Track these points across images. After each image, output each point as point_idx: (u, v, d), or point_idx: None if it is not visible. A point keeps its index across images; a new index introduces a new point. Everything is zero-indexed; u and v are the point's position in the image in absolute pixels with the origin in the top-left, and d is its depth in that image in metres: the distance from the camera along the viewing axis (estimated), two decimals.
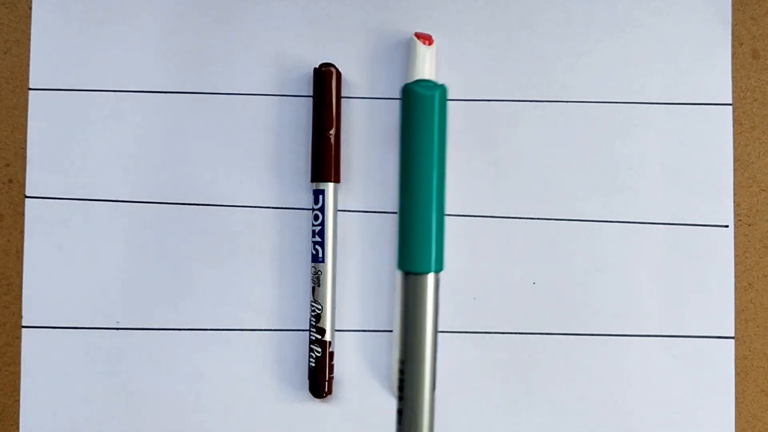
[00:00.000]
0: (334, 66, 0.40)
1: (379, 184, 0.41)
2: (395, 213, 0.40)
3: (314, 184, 0.40)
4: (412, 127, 0.26)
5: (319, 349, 0.39)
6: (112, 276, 0.40)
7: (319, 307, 0.39)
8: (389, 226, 0.40)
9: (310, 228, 0.40)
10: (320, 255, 0.39)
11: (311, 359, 0.39)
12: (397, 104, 0.41)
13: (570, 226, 0.40)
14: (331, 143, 0.39)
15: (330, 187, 0.40)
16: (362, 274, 0.40)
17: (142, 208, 0.40)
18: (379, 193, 0.41)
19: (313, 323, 0.39)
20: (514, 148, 0.40)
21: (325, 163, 0.40)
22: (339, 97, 0.40)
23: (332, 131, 0.40)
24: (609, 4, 0.41)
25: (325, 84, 0.40)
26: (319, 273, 0.39)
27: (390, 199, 0.41)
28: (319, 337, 0.39)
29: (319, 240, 0.39)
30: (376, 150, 0.41)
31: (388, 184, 0.41)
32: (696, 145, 0.41)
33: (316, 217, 0.39)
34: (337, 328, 0.40)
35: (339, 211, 0.40)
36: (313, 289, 0.39)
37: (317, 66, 0.40)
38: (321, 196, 0.39)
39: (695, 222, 0.40)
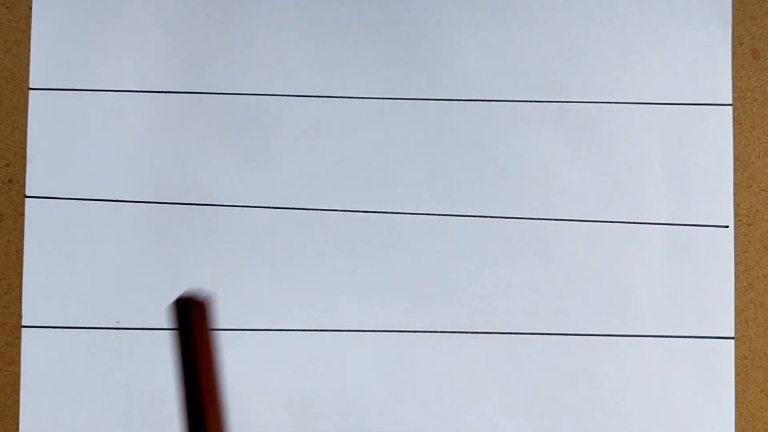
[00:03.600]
0: (198, 297, 0.26)
1: (379, 183, 0.41)
2: (394, 213, 0.41)
3: None
4: None
5: None
6: (112, 276, 0.40)
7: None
8: (389, 226, 0.40)
9: (310, 228, 0.40)
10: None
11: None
12: (397, 104, 0.41)
13: (570, 226, 0.40)
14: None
15: None
16: (363, 274, 0.40)
17: (142, 208, 0.40)
18: (379, 192, 0.41)
19: None
20: (514, 148, 0.40)
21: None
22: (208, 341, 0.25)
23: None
24: (609, 4, 0.41)
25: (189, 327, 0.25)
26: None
27: (389, 199, 0.41)
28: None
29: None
30: (376, 150, 0.41)
31: (388, 183, 0.41)
32: (696, 145, 0.41)
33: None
34: (335, 328, 0.40)
35: (339, 210, 0.40)
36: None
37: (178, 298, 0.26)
38: None
39: (695, 222, 0.40)
